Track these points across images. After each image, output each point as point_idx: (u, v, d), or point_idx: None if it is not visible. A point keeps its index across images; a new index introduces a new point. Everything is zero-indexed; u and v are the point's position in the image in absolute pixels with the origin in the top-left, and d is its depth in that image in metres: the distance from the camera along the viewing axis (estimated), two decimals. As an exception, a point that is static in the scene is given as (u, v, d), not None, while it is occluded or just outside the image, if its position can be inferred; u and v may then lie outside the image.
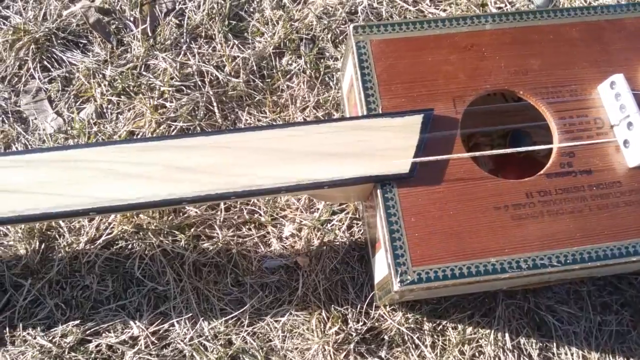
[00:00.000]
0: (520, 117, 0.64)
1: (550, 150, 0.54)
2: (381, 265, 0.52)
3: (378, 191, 0.50)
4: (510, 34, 0.57)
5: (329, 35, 0.72)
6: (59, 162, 0.50)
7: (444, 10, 0.75)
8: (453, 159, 0.52)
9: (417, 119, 0.53)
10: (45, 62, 0.68)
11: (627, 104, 0.52)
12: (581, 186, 0.52)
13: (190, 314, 0.58)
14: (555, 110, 0.55)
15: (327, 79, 0.70)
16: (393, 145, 0.52)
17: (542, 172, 0.52)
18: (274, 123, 0.67)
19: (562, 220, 0.51)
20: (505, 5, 0.76)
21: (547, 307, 0.61)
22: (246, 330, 0.58)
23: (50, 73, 0.68)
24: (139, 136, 0.65)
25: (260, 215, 0.62)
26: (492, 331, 0.59)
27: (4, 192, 0.48)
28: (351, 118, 0.54)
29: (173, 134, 0.65)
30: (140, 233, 0.60)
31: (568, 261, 0.49)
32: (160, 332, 0.57)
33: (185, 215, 0.61)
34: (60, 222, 0.60)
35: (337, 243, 0.62)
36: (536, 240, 0.50)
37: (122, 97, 0.67)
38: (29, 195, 0.49)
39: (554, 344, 0.60)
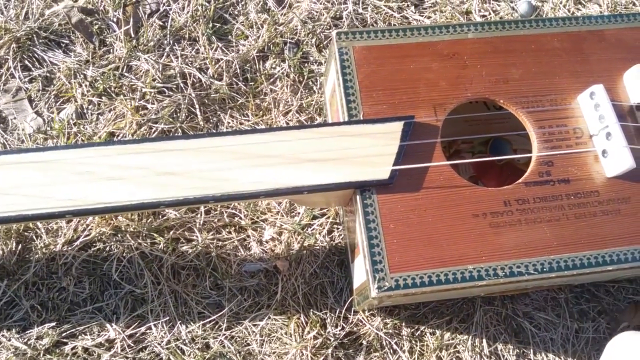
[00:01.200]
0: (501, 125, 0.64)
1: (530, 158, 0.54)
2: (360, 270, 0.52)
3: (357, 197, 0.50)
4: (493, 43, 0.58)
5: (314, 40, 0.72)
6: (36, 164, 0.50)
7: (429, 18, 0.75)
8: (433, 166, 0.52)
9: (398, 125, 0.53)
10: (26, 62, 0.68)
11: (606, 114, 0.53)
12: (559, 195, 0.52)
13: (168, 317, 0.57)
14: (535, 119, 0.55)
15: (310, 83, 0.70)
16: (373, 151, 0.52)
17: (520, 180, 0.53)
18: (257, 127, 0.67)
19: (540, 229, 0.51)
20: (490, 14, 0.77)
21: (525, 314, 0.61)
22: (224, 334, 0.57)
23: (31, 72, 0.68)
24: (119, 137, 0.64)
25: (241, 218, 0.62)
26: (470, 337, 0.59)
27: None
28: (332, 124, 0.54)
29: (154, 136, 0.65)
30: (119, 235, 0.60)
31: (545, 269, 0.50)
32: (137, 335, 0.57)
33: (165, 217, 0.61)
34: (38, 223, 0.59)
35: (317, 247, 0.62)
36: (513, 248, 0.50)
37: (103, 97, 0.66)
38: (5, 196, 0.48)
39: (531, 350, 0.60)
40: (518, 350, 0.60)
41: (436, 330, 0.60)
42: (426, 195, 0.51)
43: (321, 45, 0.72)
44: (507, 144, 0.66)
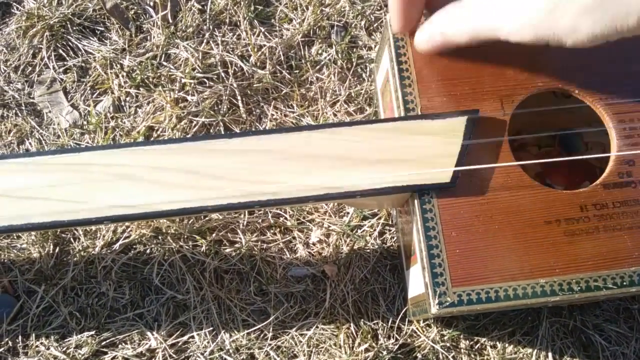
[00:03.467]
0: (570, 116, 0.58)
1: (607, 155, 0.48)
2: (417, 281, 0.48)
3: (415, 202, 0.46)
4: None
5: (363, 22, 0.67)
6: (72, 166, 0.47)
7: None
8: (500, 167, 0.47)
9: (461, 121, 0.48)
10: (60, 51, 0.65)
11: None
12: (640, 199, 0.47)
13: (211, 326, 0.54)
14: (614, 113, 0.49)
15: (359, 70, 0.65)
16: (433, 151, 0.47)
17: (598, 182, 0.47)
18: (302, 119, 0.62)
19: (620, 237, 0.45)
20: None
21: (595, 326, 0.56)
22: (269, 344, 0.54)
23: (65, 62, 0.64)
24: (158, 132, 0.61)
25: (286, 219, 0.58)
26: (535, 351, 0.55)
27: (14, 198, 0.45)
28: (387, 120, 0.49)
29: (194, 130, 0.61)
30: (159, 237, 0.57)
31: (625, 283, 0.44)
32: (179, 344, 0.54)
33: (207, 219, 0.58)
34: (76, 224, 0.57)
35: (368, 251, 0.58)
36: (590, 259, 0.45)
37: (141, 89, 0.63)
38: (39, 201, 0.46)
39: (602, 365, 0.55)
40: (587, 365, 0.55)
41: (497, 343, 0.55)
42: (492, 199, 0.46)
43: (371, 28, 0.67)
44: (577, 137, 0.60)
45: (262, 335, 0.54)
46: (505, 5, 0.39)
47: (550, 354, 0.55)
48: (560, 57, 0.50)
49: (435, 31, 0.45)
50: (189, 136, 0.60)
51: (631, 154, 0.48)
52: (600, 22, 0.35)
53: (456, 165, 0.46)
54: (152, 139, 0.60)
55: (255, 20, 0.66)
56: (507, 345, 0.55)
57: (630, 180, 0.47)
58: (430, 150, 0.47)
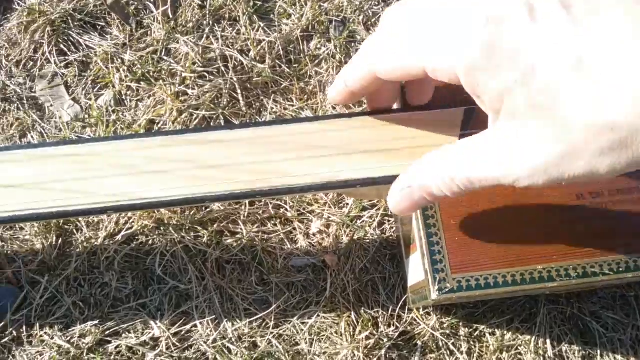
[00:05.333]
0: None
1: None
2: (416, 269, 0.49)
3: (415, 191, 0.46)
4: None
5: (361, 18, 0.67)
6: (75, 157, 0.47)
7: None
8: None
9: (458, 112, 0.48)
10: (62, 46, 0.65)
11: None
12: (635, 187, 0.47)
13: (213, 315, 0.55)
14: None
15: (357, 64, 0.65)
16: (431, 141, 0.48)
17: (594, 171, 0.48)
18: (301, 112, 0.63)
19: (616, 224, 0.46)
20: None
21: (592, 313, 0.57)
22: (272, 333, 0.55)
23: (66, 57, 0.65)
24: (159, 125, 0.62)
25: (287, 210, 0.59)
26: (533, 338, 0.56)
27: (15, 188, 0.46)
28: (385, 111, 0.50)
29: (195, 123, 0.62)
30: (161, 228, 0.57)
31: (621, 269, 0.45)
32: (182, 333, 0.54)
33: (208, 210, 0.58)
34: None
35: (368, 241, 0.58)
36: (587, 246, 0.46)
37: (142, 83, 0.63)
38: (43, 192, 0.46)
39: (598, 352, 0.56)
40: (584, 352, 0.56)
41: (496, 331, 0.56)
42: (491, 188, 0.47)
43: (369, 23, 0.68)
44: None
45: (264, 324, 0.55)
46: (509, 153, 0.32)
47: (548, 341, 0.55)
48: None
49: (416, 191, 0.39)
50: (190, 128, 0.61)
51: (626, 143, 0.49)
52: (620, 160, 0.29)
53: (454, 155, 0.47)
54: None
55: (255, 16, 0.67)
56: (505, 332, 0.56)
57: (626, 168, 0.48)
58: (427, 141, 0.48)
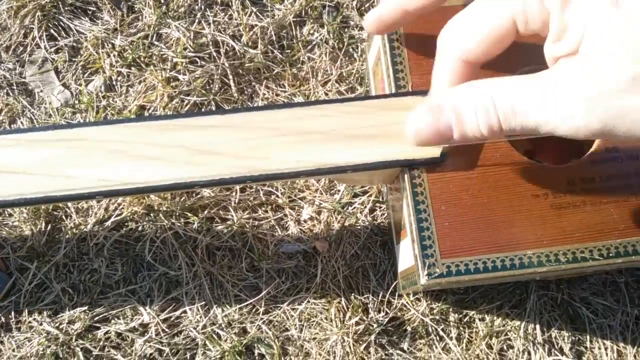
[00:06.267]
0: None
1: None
2: (406, 254, 0.49)
3: (405, 177, 0.46)
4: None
5: (355, 3, 0.67)
6: (64, 141, 0.47)
7: (478, -24, 0.69)
8: (488, 142, 0.47)
9: (450, 97, 0.48)
10: (52, 31, 0.64)
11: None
12: (627, 173, 0.47)
13: (203, 301, 0.55)
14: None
15: (351, 50, 0.65)
16: (423, 126, 0.48)
17: (585, 157, 0.48)
18: (294, 98, 0.63)
19: (606, 210, 0.46)
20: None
21: (582, 299, 0.57)
22: (261, 319, 0.55)
23: (57, 42, 0.64)
24: (150, 111, 0.61)
25: (278, 196, 0.59)
26: (523, 323, 0.56)
27: (4, 174, 0.45)
28: (378, 96, 0.49)
29: (186, 109, 0.61)
30: (151, 214, 0.57)
31: (611, 254, 0.45)
32: (172, 319, 0.54)
33: (199, 196, 0.58)
34: (68, 202, 0.57)
35: (359, 227, 0.58)
36: (577, 231, 0.46)
37: (133, 68, 0.63)
38: (31, 177, 0.46)
39: (588, 338, 0.56)
40: (574, 338, 0.56)
41: (486, 316, 0.56)
42: (481, 173, 0.47)
43: (363, 8, 0.67)
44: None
45: (254, 310, 0.55)
46: (561, 97, 0.31)
47: (537, 327, 0.56)
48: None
49: (446, 112, 0.35)
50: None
51: (617, 129, 0.48)
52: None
53: (445, 140, 0.47)
54: (143, 118, 0.61)
55: (247, 0, 0.66)
56: (495, 318, 0.56)
57: (617, 155, 0.48)
58: (420, 125, 0.48)
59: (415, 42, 0.50)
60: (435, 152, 0.46)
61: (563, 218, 0.46)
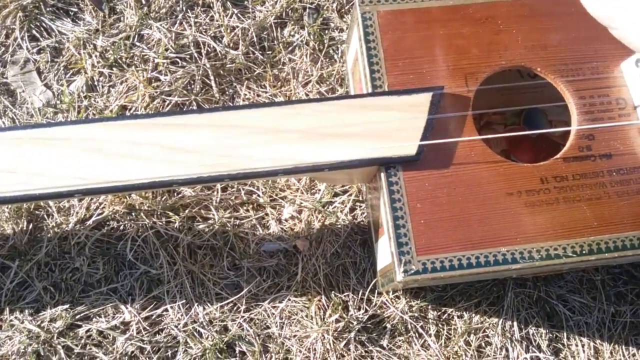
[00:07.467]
0: (535, 94, 0.60)
1: (568, 131, 0.50)
2: (384, 252, 0.49)
3: (382, 175, 0.47)
4: (529, 6, 0.53)
5: (335, 5, 0.68)
6: (44, 140, 0.47)
7: (457, -21, 0.70)
8: (463, 141, 0.48)
9: (426, 97, 0.49)
10: (34, 31, 0.65)
11: (654, 83, 0.48)
12: (600, 171, 0.48)
13: (184, 299, 0.55)
14: (574, 89, 0.51)
15: (331, 51, 0.66)
16: (399, 125, 0.48)
17: (558, 155, 0.49)
18: (275, 99, 0.63)
19: (579, 208, 0.47)
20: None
21: (559, 296, 0.58)
22: (242, 317, 0.55)
23: (39, 43, 0.65)
24: (131, 111, 0.62)
25: (259, 196, 0.59)
26: (500, 320, 0.56)
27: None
28: (354, 96, 0.50)
29: (167, 109, 0.62)
30: (133, 214, 0.57)
31: (584, 251, 0.46)
32: (153, 317, 0.55)
33: (180, 195, 0.58)
34: (49, 201, 0.57)
35: (339, 226, 0.59)
36: (550, 228, 0.46)
37: (114, 69, 0.63)
38: (12, 175, 0.46)
39: (565, 335, 0.57)
40: (551, 335, 0.57)
41: (464, 314, 0.57)
42: (456, 172, 0.48)
43: (343, 10, 0.68)
44: (541, 115, 0.61)
45: (235, 308, 0.55)
46: None
47: (515, 324, 0.56)
48: (522, 36, 0.52)
49: None
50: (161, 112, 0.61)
51: (591, 128, 0.50)
52: None
53: (421, 140, 0.48)
54: (125, 118, 0.61)
55: (229, 2, 0.67)
56: (473, 315, 0.56)
57: (590, 154, 0.49)
58: (396, 124, 0.48)
59: (392, 44, 0.51)
60: (411, 150, 0.47)
61: (537, 216, 0.47)
